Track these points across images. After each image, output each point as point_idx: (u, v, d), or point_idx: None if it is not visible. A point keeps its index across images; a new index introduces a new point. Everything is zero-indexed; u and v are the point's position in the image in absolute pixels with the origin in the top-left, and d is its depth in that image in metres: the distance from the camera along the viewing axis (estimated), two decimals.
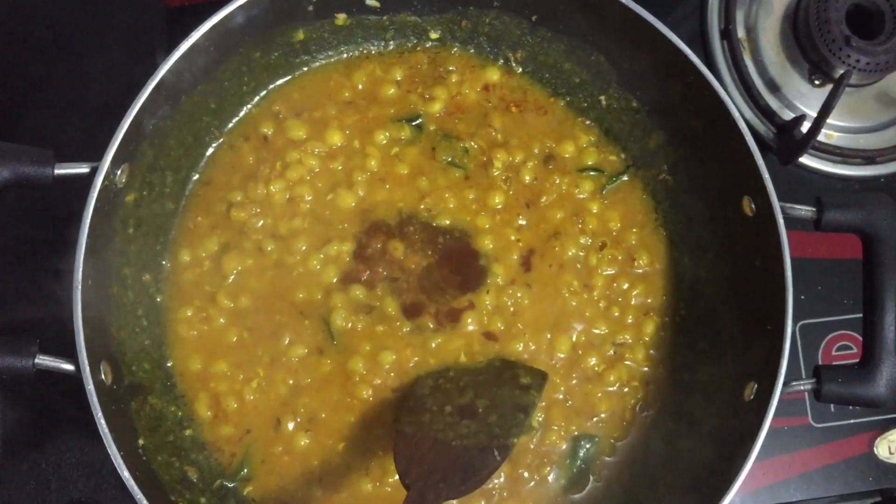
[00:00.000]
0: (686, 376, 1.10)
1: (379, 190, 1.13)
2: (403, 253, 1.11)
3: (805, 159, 1.24)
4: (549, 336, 1.10)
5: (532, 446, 1.08)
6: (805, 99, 1.27)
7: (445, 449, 0.96)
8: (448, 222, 1.13)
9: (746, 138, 1.00)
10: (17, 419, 1.16)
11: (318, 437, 1.07)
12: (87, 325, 0.92)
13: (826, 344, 1.22)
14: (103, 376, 0.95)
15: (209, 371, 1.08)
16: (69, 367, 0.92)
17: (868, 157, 1.26)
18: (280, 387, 1.07)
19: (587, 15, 1.09)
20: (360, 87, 1.16)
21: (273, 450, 1.07)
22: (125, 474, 0.90)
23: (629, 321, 1.12)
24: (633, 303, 1.12)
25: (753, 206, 1.02)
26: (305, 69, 1.16)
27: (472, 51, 1.18)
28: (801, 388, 0.98)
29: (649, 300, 1.12)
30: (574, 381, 1.10)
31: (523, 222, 1.13)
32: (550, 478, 1.08)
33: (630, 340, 1.11)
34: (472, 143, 1.15)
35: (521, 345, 1.10)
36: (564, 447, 1.08)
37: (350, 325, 1.08)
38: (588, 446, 1.08)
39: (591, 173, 1.15)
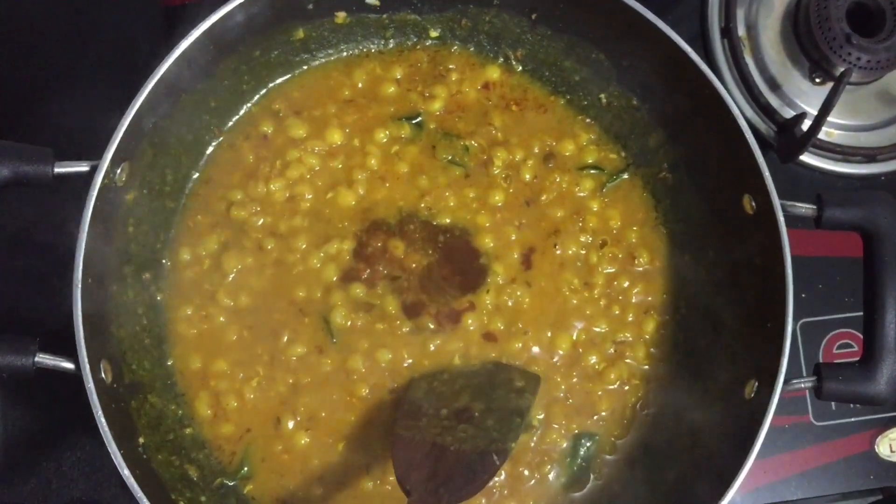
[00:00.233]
0: (686, 374, 1.10)
1: (379, 188, 1.13)
2: (404, 251, 1.11)
3: (806, 157, 1.24)
4: (549, 334, 1.10)
5: (532, 444, 1.08)
6: (805, 97, 1.27)
7: (444, 453, 0.95)
8: (448, 221, 1.12)
9: (746, 136, 1.00)
10: (18, 418, 1.15)
11: (319, 435, 1.06)
12: (86, 324, 0.92)
13: (827, 342, 1.22)
14: (103, 375, 0.95)
15: (209, 369, 1.08)
16: (69, 365, 0.92)
17: (869, 155, 1.26)
18: (280, 385, 1.07)
19: (587, 13, 1.09)
20: (360, 85, 1.16)
21: (273, 448, 1.06)
22: (125, 473, 0.90)
23: (630, 319, 1.12)
24: (633, 301, 1.12)
25: (754, 204, 1.02)
26: (305, 67, 1.16)
27: (472, 49, 1.18)
28: (802, 385, 0.98)
29: (650, 298, 1.12)
30: (574, 380, 1.10)
31: (523, 221, 1.13)
32: (551, 476, 1.08)
33: (630, 338, 1.11)
34: (473, 142, 1.15)
35: (521, 343, 1.10)
36: (565, 445, 1.08)
37: (350, 323, 1.08)
38: (588, 444, 1.08)
39: (592, 171, 1.15)
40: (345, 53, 1.17)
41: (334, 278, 1.10)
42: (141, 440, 1.00)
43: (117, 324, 1.02)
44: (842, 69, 1.21)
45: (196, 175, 1.13)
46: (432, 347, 1.08)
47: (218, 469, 1.06)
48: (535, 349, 1.10)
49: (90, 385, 0.91)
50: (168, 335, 1.09)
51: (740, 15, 1.28)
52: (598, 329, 1.11)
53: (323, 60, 1.17)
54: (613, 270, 1.13)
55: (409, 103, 1.16)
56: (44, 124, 1.20)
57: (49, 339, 0.93)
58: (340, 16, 1.13)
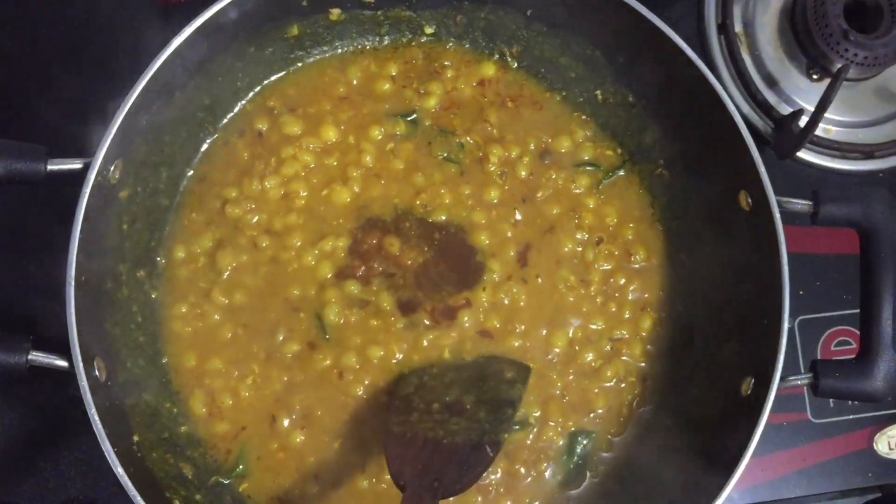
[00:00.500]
0: (683, 372, 1.10)
1: (374, 186, 1.13)
2: (399, 249, 1.11)
3: (803, 154, 1.24)
4: (545, 332, 1.10)
5: (529, 442, 1.08)
6: (803, 93, 1.26)
7: (437, 447, 0.95)
8: (444, 218, 1.12)
9: (742, 132, 0.99)
10: (16, 417, 1.15)
11: (314, 433, 1.06)
12: (80, 322, 0.92)
13: (825, 339, 1.22)
14: (97, 373, 0.95)
15: (204, 367, 1.07)
16: (63, 363, 0.92)
17: (866, 152, 1.25)
18: (275, 383, 1.07)
19: (583, 9, 1.09)
20: (354, 82, 1.16)
21: (268, 447, 1.06)
22: (119, 471, 0.90)
23: (626, 316, 1.11)
24: (629, 298, 1.12)
25: (750, 200, 1.02)
26: (300, 64, 1.16)
27: (467, 46, 1.18)
28: (798, 382, 0.98)
29: (646, 295, 1.12)
30: (571, 377, 1.10)
31: (519, 218, 1.13)
32: (547, 474, 1.07)
33: (627, 336, 1.11)
34: (468, 139, 1.14)
35: (518, 341, 1.09)
36: (561, 443, 1.08)
37: (342, 319, 1.08)
38: (585, 442, 1.08)
39: (588, 168, 1.15)
40: (339, 50, 1.17)
41: (329, 275, 1.09)
42: (135, 438, 1.00)
43: (111, 322, 1.02)
44: (839, 65, 1.20)
45: (190, 172, 1.13)
46: (425, 343, 1.08)
47: (213, 467, 1.06)
48: (532, 346, 1.09)
49: (84, 383, 0.91)
50: (163, 333, 1.08)
51: (737, 11, 1.28)
52: (594, 326, 1.11)
53: (318, 57, 1.17)
54: (610, 267, 1.12)
55: (404, 100, 1.16)
56: (37, 122, 1.20)
57: (43, 338, 0.93)
58: (335, 12, 1.13)
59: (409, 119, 1.15)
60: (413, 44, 1.18)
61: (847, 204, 0.98)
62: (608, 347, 1.11)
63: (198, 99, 1.09)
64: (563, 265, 1.12)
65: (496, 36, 1.16)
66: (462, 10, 1.15)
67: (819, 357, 1.20)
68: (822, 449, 1.19)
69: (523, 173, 1.14)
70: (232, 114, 1.14)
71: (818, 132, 1.21)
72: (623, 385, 1.10)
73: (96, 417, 0.90)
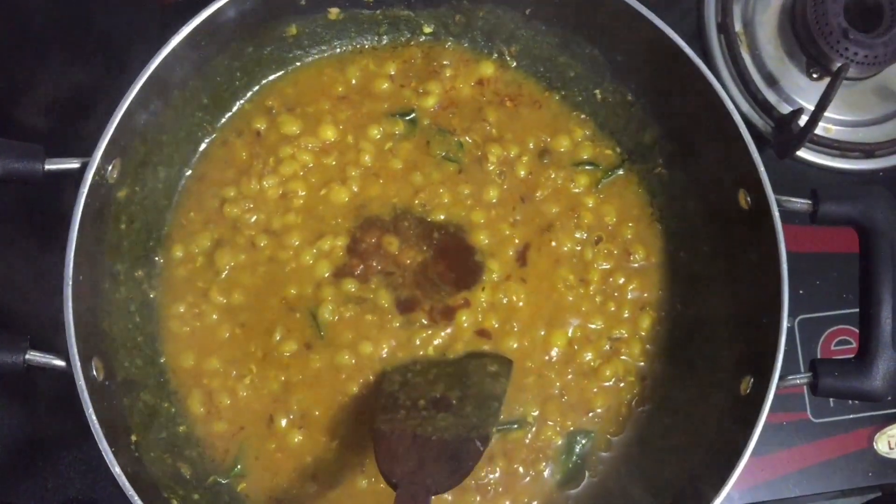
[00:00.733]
0: (682, 371, 1.09)
1: (373, 185, 1.12)
2: (398, 248, 1.11)
3: (803, 153, 1.24)
4: (544, 331, 1.10)
5: (527, 441, 1.07)
6: (803, 92, 1.26)
7: (427, 444, 0.95)
8: (443, 217, 1.12)
9: (742, 131, 0.99)
10: (15, 417, 1.15)
11: (312, 433, 1.06)
12: (78, 322, 0.92)
13: (825, 338, 1.21)
14: (95, 372, 0.95)
15: (202, 367, 1.07)
16: (60, 363, 0.92)
17: (866, 151, 1.25)
18: (272, 383, 1.07)
19: (581, 8, 1.09)
20: (353, 81, 1.16)
21: (267, 446, 1.06)
22: (116, 470, 0.90)
23: (625, 316, 1.11)
24: (629, 297, 1.12)
25: (749, 199, 1.02)
26: (298, 64, 1.16)
27: (466, 45, 1.17)
28: (798, 382, 0.98)
29: (645, 295, 1.12)
30: (570, 377, 1.09)
31: (518, 217, 1.13)
32: (546, 473, 1.07)
33: (626, 335, 1.11)
34: (467, 138, 1.14)
35: (516, 341, 1.09)
36: (560, 442, 1.08)
37: (337, 317, 1.08)
38: (584, 442, 1.08)
39: (587, 167, 1.15)
40: (338, 50, 1.17)
41: (326, 274, 1.09)
42: (133, 438, 1.00)
43: (109, 321, 1.02)
44: (839, 64, 1.20)
45: (188, 172, 1.12)
46: (418, 342, 1.08)
47: (211, 467, 1.06)
48: (530, 346, 1.09)
49: (81, 383, 0.91)
50: (160, 333, 1.08)
51: (737, 10, 1.28)
52: (593, 326, 1.11)
53: (316, 57, 1.16)
54: (609, 267, 1.12)
55: (402, 99, 1.15)
56: (34, 120, 1.20)
57: (40, 337, 0.93)
58: (333, 12, 1.13)
59: (407, 118, 1.15)
60: (412, 43, 1.18)
61: (847, 203, 0.98)
62: (607, 347, 1.10)
63: (196, 98, 1.09)
64: (562, 264, 1.12)
65: (495, 35, 1.16)
66: (461, 10, 1.14)
67: (819, 356, 1.20)
68: (821, 448, 1.19)
69: (522, 172, 1.14)
70: (230, 113, 1.14)
71: (818, 131, 1.21)
72: (622, 384, 1.10)
73: (94, 417, 0.90)
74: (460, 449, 0.95)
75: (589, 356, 1.10)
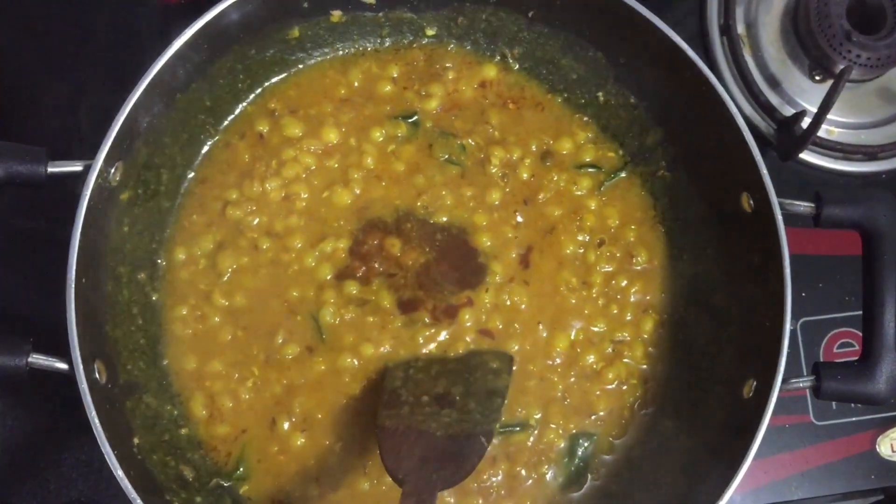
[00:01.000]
0: (685, 374, 1.09)
1: (375, 187, 1.12)
2: (401, 250, 1.11)
3: (806, 155, 1.24)
4: (546, 334, 1.10)
5: (530, 444, 1.07)
6: (805, 95, 1.26)
7: (431, 440, 0.95)
8: (445, 219, 1.12)
9: (744, 134, 0.99)
10: (17, 419, 1.15)
11: (314, 436, 1.06)
12: (80, 324, 0.92)
13: (827, 341, 1.21)
14: (97, 375, 0.95)
15: (204, 370, 1.07)
16: (63, 365, 0.92)
17: (869, 154, 1.25)
18: (275, 386, 1.07)
19: (584, 10, 1.09)
20: (356, 84, 1.16)
21: (269, 449, 1.06)
22: (119, 473, 0.90)
23: (628, 318, 1.11)
24: (631, 300, 1.12)
25: (752, 202, 1.02)
26: (301, 66, 1.16)
27: (468, 47, 1.17)
28: (800, 385, 0.98)
29: (648, 297, 1.12)
30: (572, 379, 1.09)
31: (521, 219, 1.13)
32: (548, 476, 1.07)
33: (629, 338, 1.11)
34: (470, 140, 1.14)
35: (519, 344, 1.09)
36: (562, 445, 1.08)
37: (338, 319, 1.08)
38: (586, 444, 1.08)
39: (589, 170, 1.15)
40: (341, 52, 1.17)
41: (328, 277, 1.09)
42: (136, 441, 1.00)
43: (112, 324, 1.02)
44: (842, 66, 1.20)
45: (191, 174, 1.12)
46: (420, 340, 1.08)
47: (213, 470, 1.06)
48: (533, 349, 1.09)
49: (84, 385, 0.91)
50: (163, 335, 1.08)
51: (739, 12, 1.28)
52: (596, 328, 1.11)
53: (319, 59, 1.16)
54: (611, 269, 1.12)
55: (405, 102, 1.15)
56: (37, 123, 1.20)
57: (43, 340, 0.93)
58: (336, 14, 1.13)
59: (410, 121, 1.15)
60: (414, 45, 1.17)
61: (850, 206, 0.98)
62: (610, 349, 1.10)
63: (199, 101, 1.09)
64: (564, 267, 1.12)
65: (497, 37, 1.16)
66: (463, 12, 1.14)
67: (821, 359, 1.20)
68: (824, 451, 1.19)
69: (525, 175, 1.14)
70: (233, 116, 1.14)
71: (821, 133, 1.21)
72: (624, 387, 1.10)
73: (96, 420, 0.90)
74: (465, 445, 0.95)
75: (591, 359, 1.09)
